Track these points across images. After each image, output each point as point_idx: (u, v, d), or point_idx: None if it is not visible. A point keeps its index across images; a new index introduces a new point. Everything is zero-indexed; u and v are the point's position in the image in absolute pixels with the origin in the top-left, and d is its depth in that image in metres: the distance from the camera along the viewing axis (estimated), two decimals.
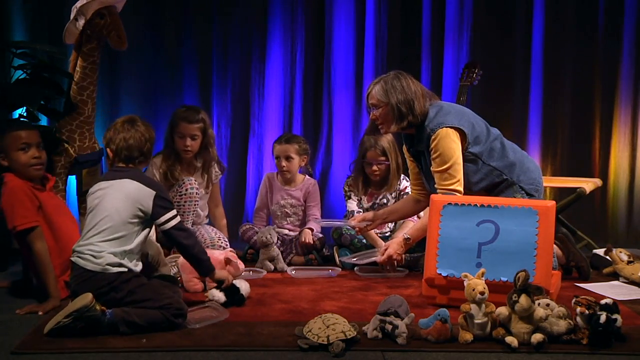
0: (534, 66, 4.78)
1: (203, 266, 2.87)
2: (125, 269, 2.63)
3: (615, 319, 2.45)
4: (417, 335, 2.49)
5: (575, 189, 4.13)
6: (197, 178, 3.86)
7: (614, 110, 4.82)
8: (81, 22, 3.50)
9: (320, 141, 4.80)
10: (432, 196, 3.09)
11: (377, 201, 3.97)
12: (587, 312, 2.45)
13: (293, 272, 3.60)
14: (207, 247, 3.61)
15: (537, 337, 2.42)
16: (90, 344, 2.42)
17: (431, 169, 3.26)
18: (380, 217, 3.63)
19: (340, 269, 3.70)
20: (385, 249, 3.41)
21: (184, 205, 3.71)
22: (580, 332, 2.47)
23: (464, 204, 2.96)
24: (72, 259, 2.65)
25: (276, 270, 3.70)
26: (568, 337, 2.47)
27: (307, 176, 4.18)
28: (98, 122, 3.85)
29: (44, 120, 4.08)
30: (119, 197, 2.68)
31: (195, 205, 3.76)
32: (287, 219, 4.14)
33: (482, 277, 2.58)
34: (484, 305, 2.50)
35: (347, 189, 4.05)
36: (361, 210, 3.95)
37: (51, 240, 2.98)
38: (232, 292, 2.93)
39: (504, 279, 2.78)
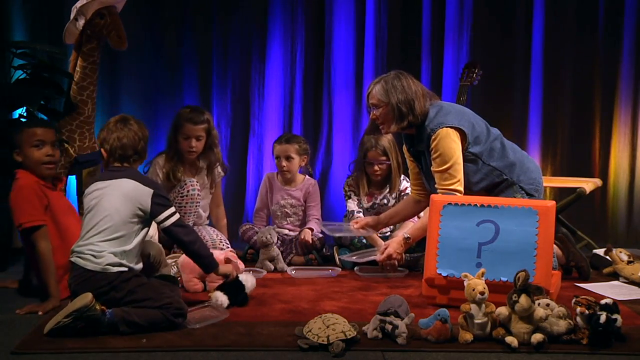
0: (534, 66, 4.78)
1: (206, 262, 2.83)
2: (126, 269, 2.63)
3: (615, 319, 2.44)
4: (417, 335, 2.49)
5: (575, 189, 4.13)
6: (200, 179, 3.86)
7: (614, 110, 4.82)
8: (81, 22, 3.51)
9: (320, 141, 4.80)
10: (432, 196, 3.09)
11: (377, 201, 3.97)
12: (587, 312, 2.45)
13: (293, 272, 3.60)
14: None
15: (537, 337, 2.41)
16: (90, 344, 2.42)
17: (431, 169, 3.26)
18: (382, 222, 3.63)
19: (340, 269, 3.70)
20: (385, 248, 3.41)
21: (185, 207, 3.71)
22: (580, 332, 2.46)
23: (464, 204, 2.96)
24: (71, 259, 2.64)
25: (276, 270, 3.70)
26: (568, 337, 2.46)
27: (307, 176, 4.18)
28: (98, 122, 3.84)
29: None
30: (118, 196, 2.67)
31: (196, 206, 3.76)
32: (287, 219, 4.13)
33: (482, 277, 2.58)
34: (484, 305, 2.49)
35: (347, 189, 4.04)
36: (361, 210, 3.95)
37: (57, 240, 2.98)
38: (236, 290, 2.92)
39: (504, 279, 2.78)
